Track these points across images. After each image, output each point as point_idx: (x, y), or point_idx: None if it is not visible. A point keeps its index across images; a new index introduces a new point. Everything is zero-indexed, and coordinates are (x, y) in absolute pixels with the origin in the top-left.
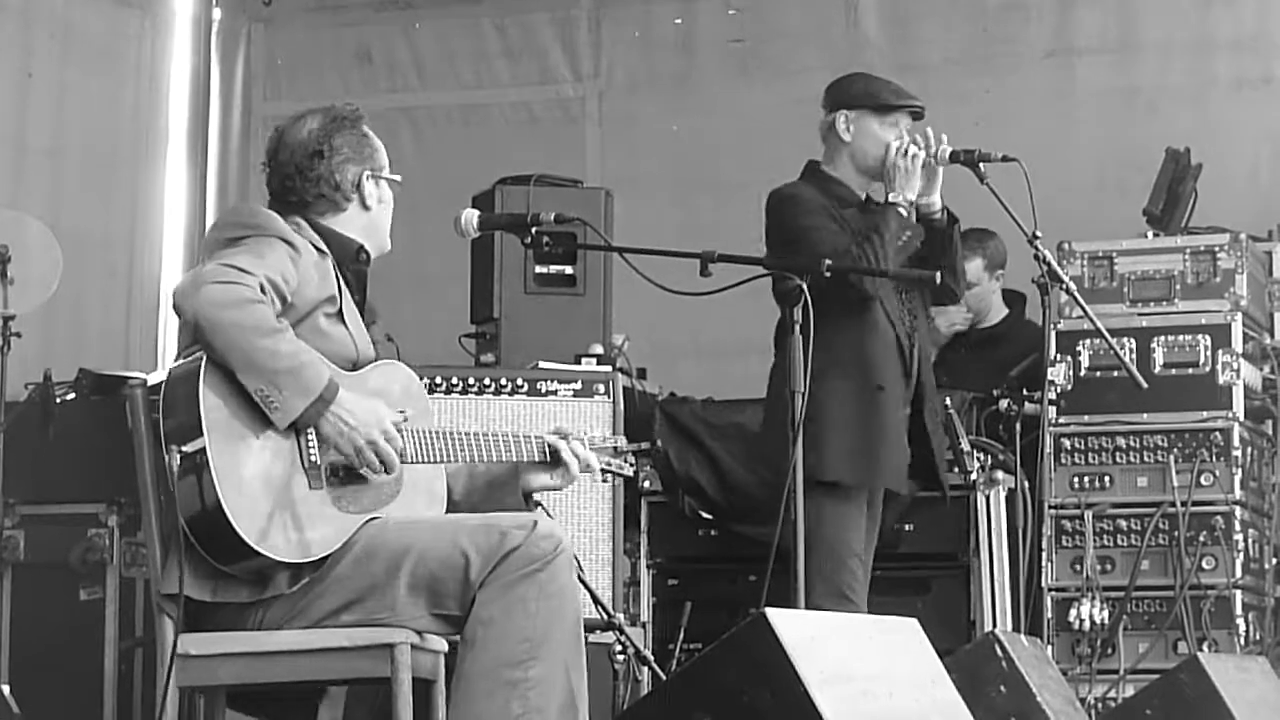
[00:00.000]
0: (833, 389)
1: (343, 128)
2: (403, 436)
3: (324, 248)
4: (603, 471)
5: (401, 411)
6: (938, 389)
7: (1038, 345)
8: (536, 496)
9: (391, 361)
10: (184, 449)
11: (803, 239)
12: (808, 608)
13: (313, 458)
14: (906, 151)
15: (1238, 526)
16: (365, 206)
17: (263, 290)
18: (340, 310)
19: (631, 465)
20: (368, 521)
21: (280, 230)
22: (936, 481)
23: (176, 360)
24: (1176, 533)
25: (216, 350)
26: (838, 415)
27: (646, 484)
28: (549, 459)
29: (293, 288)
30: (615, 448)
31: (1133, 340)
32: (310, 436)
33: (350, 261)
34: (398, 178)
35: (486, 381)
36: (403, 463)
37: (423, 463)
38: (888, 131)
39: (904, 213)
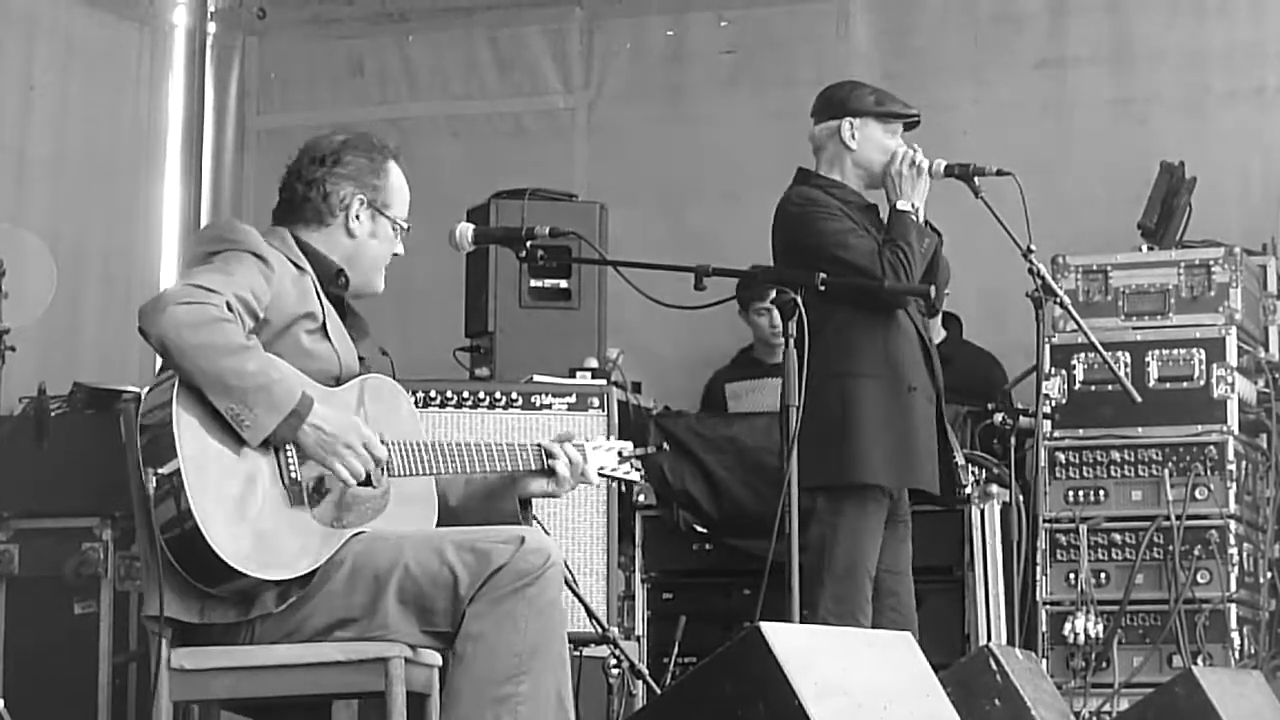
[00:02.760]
0: (864, 392)
1: (362, 152)
2: (388, 449)
3: (303, 265)
4: (608, 477)
5: (379, 434)
6: None
7: (985, 366)
8: (533, 511)
9: (377, 375)
10: (160, 471)
11: (831, 244)
12: (813, 622)
13: (293, 475)
14: (913, 161)
15: (1232, 540)
16: (349, 231)
17: (230, 308)
18: (324, 326)
19: (639, 470)
20: (354, 536)
21: (254, 245)
22: (949, 485)
23: (155, 379)
24: (1171, 546)
25: (185, 371)
26: (872, 417)
27: (641, 498)
28: (545, 466)
29: (265, 304)
30: (620, 452)
31: (1127, 354)
32: (290, 453)
33: (329, 283)
34: (402, 222)
35: (481, 395)
36: (389, 476)
37: (409, 475)
38: (890, 140)
39: (919, 219)
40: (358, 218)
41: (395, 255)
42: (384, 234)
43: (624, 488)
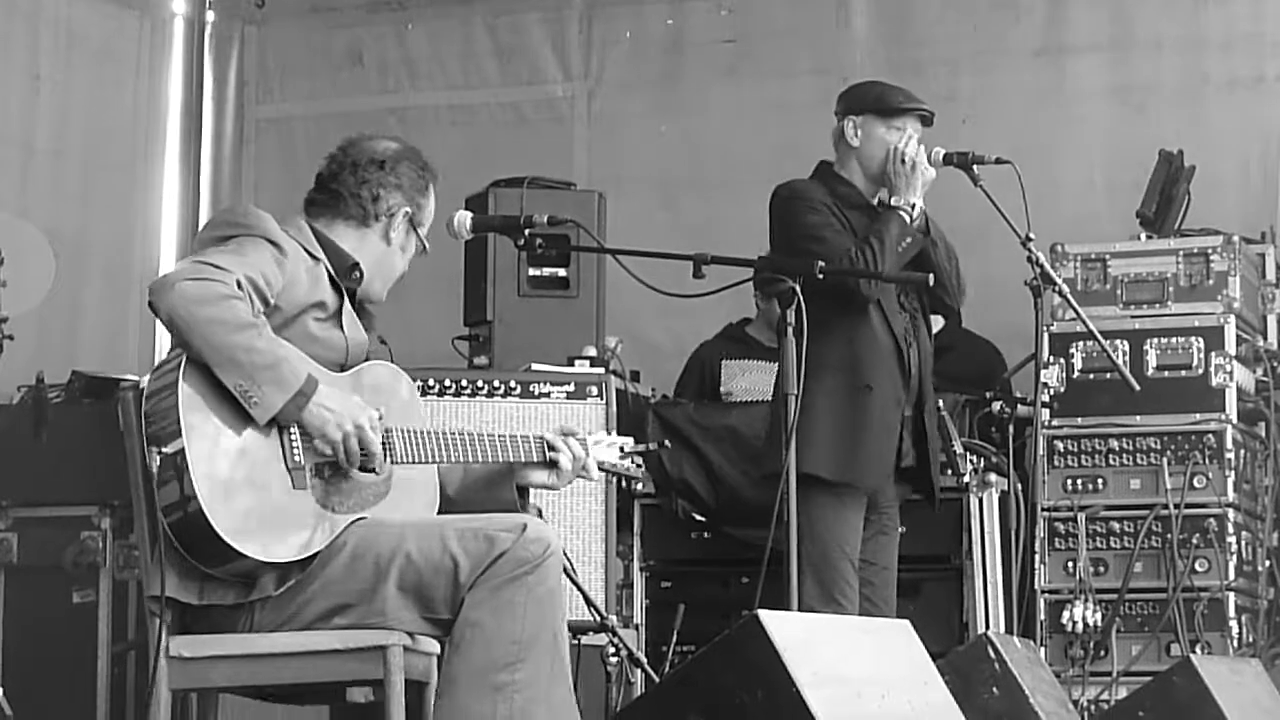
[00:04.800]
0: (820, 386)
1: (414, 166)
2: (391, 435)
3: (318, 254)
4: (609, 472)
5: (378, 409)
6: None
7: (985, 354)
8: (532, 498)
9: (379, 362)
10: (164, 450)
11: (805, 237)
12: (798, 609)
13: (297, 458)
14: (904, 158)
15: (1231, 529)
16: (387, 239)
17: (239, 287)
18: (338, 314)
19: (640, 467)
20: (355, 521)
21: (268, 231)
22: (929, 484)
23: (163, 360)
24: (1169, 535)
25: (193, 347)
26: (822, 411)
27: (639, 486)
28: (546, 458)
29: (276, 289)
30: (621, 448)
31: (1126, 342)
32: (294, 436)
33: (343, 275)
34: (426, 243)
35: (479, 384)
36: (392, 462)
37: (412, 462)
38: (893, 136)
39: (907, 218)
40: (397, 228)
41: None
42: (409, 250)
43: (624, 481)
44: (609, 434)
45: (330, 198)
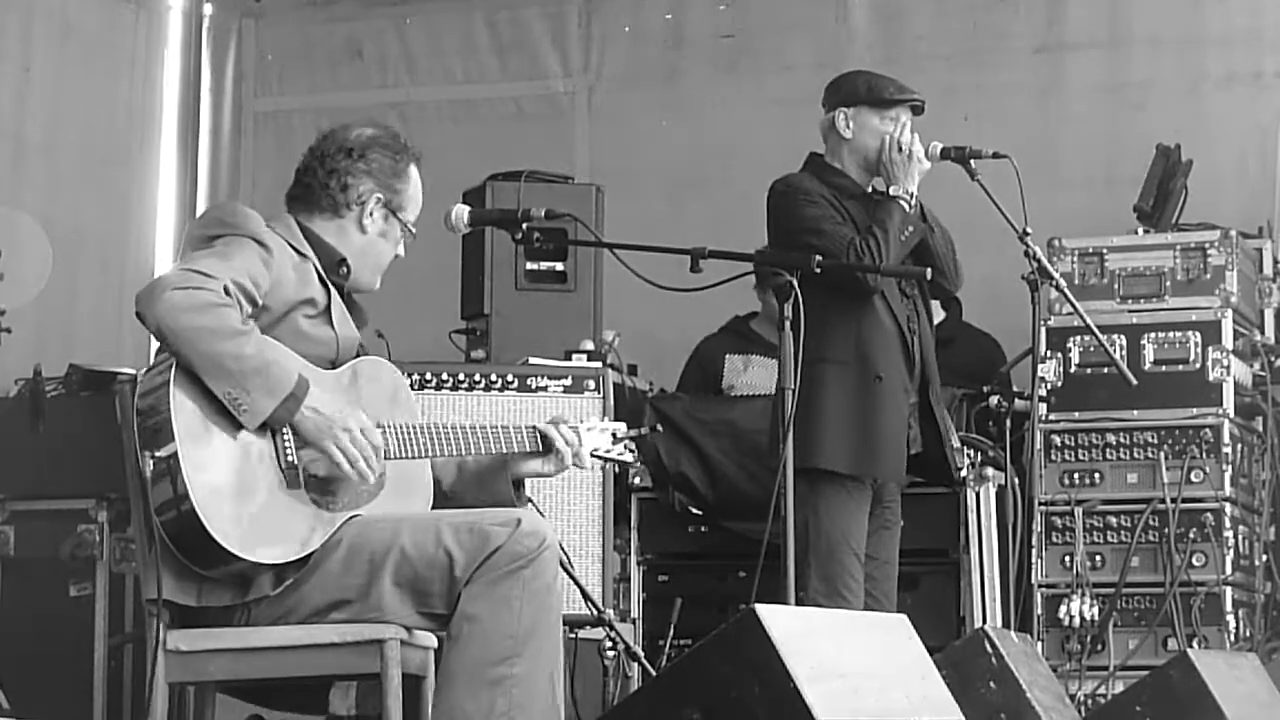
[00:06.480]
0: (830, 378)
1: (388, 151)
2: (384, 433)
3: (305, 251)
4: (602, 458)
5: (379, 424)
6: None
7: (987, 349)
8: (529, 493)
9: (371, 358)
10: (157, 454)
11: (805, 231)
12: (801, 603)
13: (290, 458)
14: (900, 147)
15: (1228, 523)
16: (362, 228)
17: (227, 293)
18: (327, 310)
19: (633, 452)
20: (349, 520)
21: (255, 231)
22: (945, 469)
23: (153, 362)
24: (1166, 529)
25: (182, 356)
26: (835, 404)
27: (637, 480)
28: (540, 447)
29: (264, 289)
30: (614, 434)
31: (1123, 337)
32: (287, 437)
33: (331, 271)
34: (411, 228)
35: (477, 378)
36: (384, 459)
37: (405, 458)
38: (887, 126)
39: (907, 207)
40: (371, 215)
41: (396, 256)
42: (393, 236)
43: (618, 470)
44: (601, 420)
45: (304, 191)
